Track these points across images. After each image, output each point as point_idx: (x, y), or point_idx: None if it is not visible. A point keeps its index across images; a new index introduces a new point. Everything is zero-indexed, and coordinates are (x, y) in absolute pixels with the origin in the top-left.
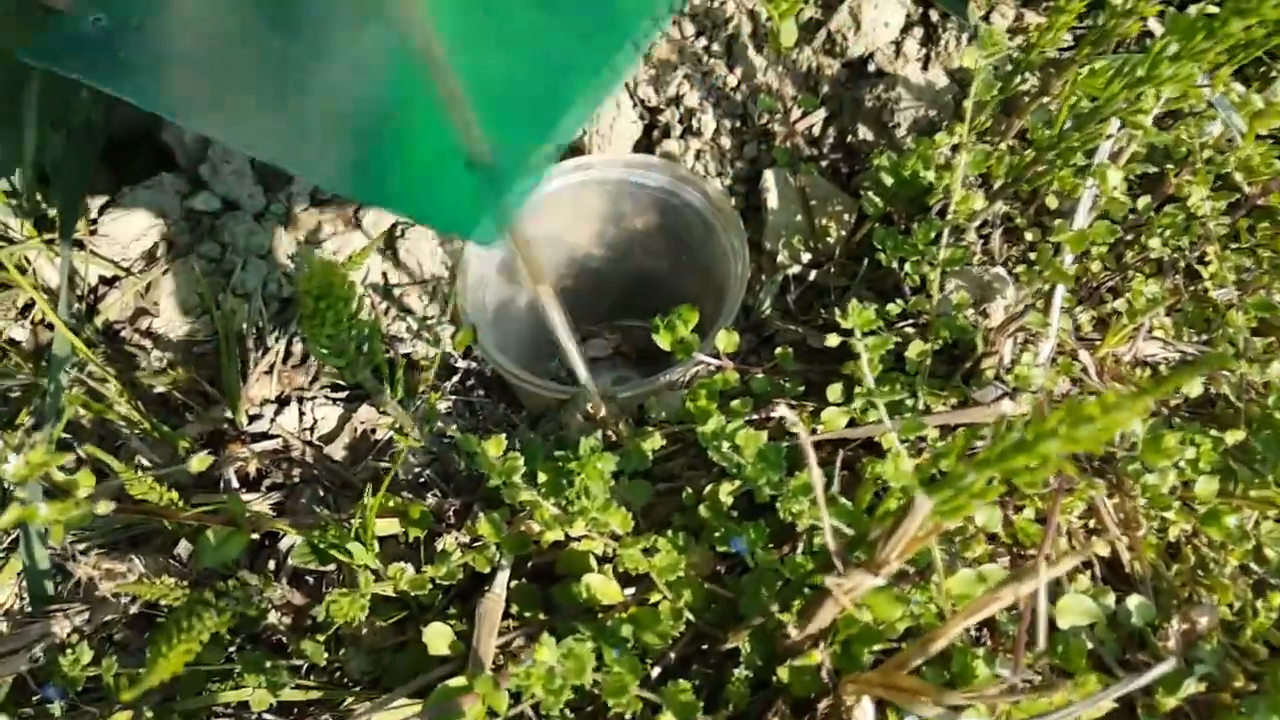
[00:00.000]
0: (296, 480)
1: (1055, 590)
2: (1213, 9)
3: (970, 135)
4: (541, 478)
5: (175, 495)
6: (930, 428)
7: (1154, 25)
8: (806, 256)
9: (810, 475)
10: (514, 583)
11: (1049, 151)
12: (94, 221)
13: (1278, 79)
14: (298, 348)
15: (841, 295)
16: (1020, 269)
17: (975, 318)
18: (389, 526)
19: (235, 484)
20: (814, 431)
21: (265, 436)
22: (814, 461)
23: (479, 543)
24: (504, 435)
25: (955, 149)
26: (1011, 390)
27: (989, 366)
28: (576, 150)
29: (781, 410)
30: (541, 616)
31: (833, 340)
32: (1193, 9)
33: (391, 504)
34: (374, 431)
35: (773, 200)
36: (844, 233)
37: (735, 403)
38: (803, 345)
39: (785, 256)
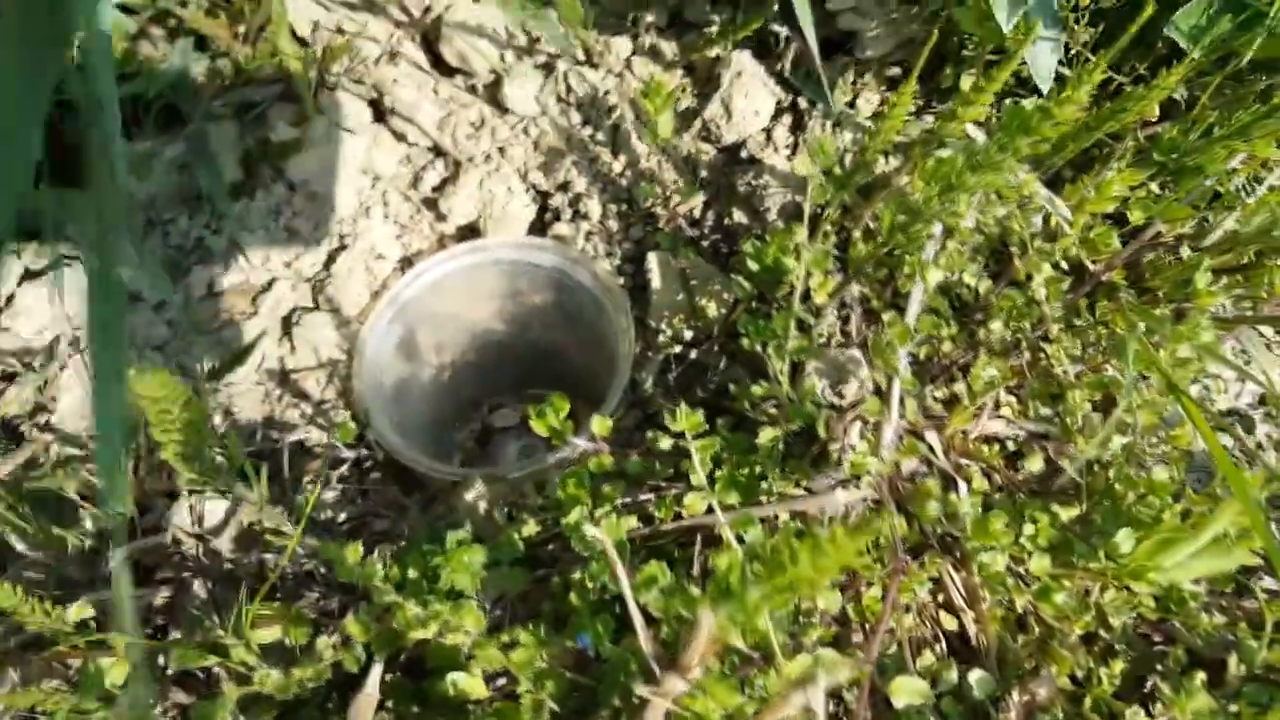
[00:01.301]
0: (185, 575)
1: (897, 667)
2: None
3: (815, 235)
4: (411, 574)
5: (52, 609)
6: (781, 513)
7: (973, 130)
8: (688, 335)
9: (620, 587)
10: (389, 676)
11: (890, 243)
12: None
13: (1111, 161)
14: None
15: (718, 373)
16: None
17: (833, 398)
18: (270, 634)
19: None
20: (678, 516)
21: (155, 530)
22: (622, 573)
23: (350, 641)
24: (376, 540)
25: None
26: (849, 478)
27: (835, 450)
28: (473, 232)
29: (589, 530)
30: (415, 709)
31: (665, 443)
32: (1027, 102)
33: (271, 609)
34: (260, 522)
35: (656, 281)
36: (723, 311)
37: (606, 488)
38: None
39: (668, 335)
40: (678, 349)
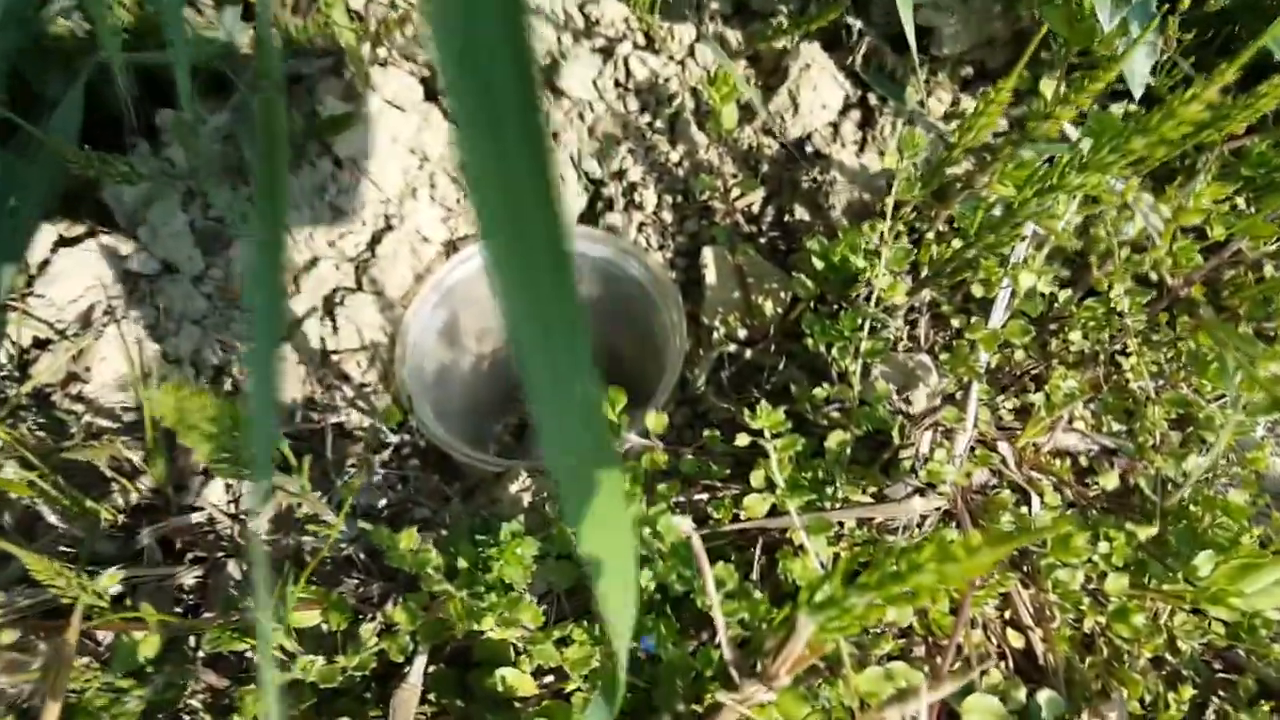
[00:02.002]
0: (219, 555)
1: (966, 686)
2: (1132, 107)
3: (891, 233)
4: (461, 563)
5: (85, 581)
6: (847, 519)
7: (1070, 129)
8: (743, 333)
9: (705, 585)
10: (432, 667)
11: (972, 246)
12: (30, 280)
13: (1199, 174)
14: None
15: (774, 373)
16: (945, 356)
17: (899, 404)
18: (309, 618)
19: (158, 555)
20: (736, 517)
21: (190, 509)
22: (708, 572)
23: (395, 628)
24: (417, 529)
25: (881, 239)
26: (924, 486)
27: (907, 458)
28: None
29: (681, 524)
30: (459, 703)
31: (742, 440)
32: (1115, 107)
33: (310, 594)
34: (299, 505)
35: (711, 277)
36: (780, 310)
37: (662, 486)
38: (734, 423)
39: (721, 333)
40: (732, 348)
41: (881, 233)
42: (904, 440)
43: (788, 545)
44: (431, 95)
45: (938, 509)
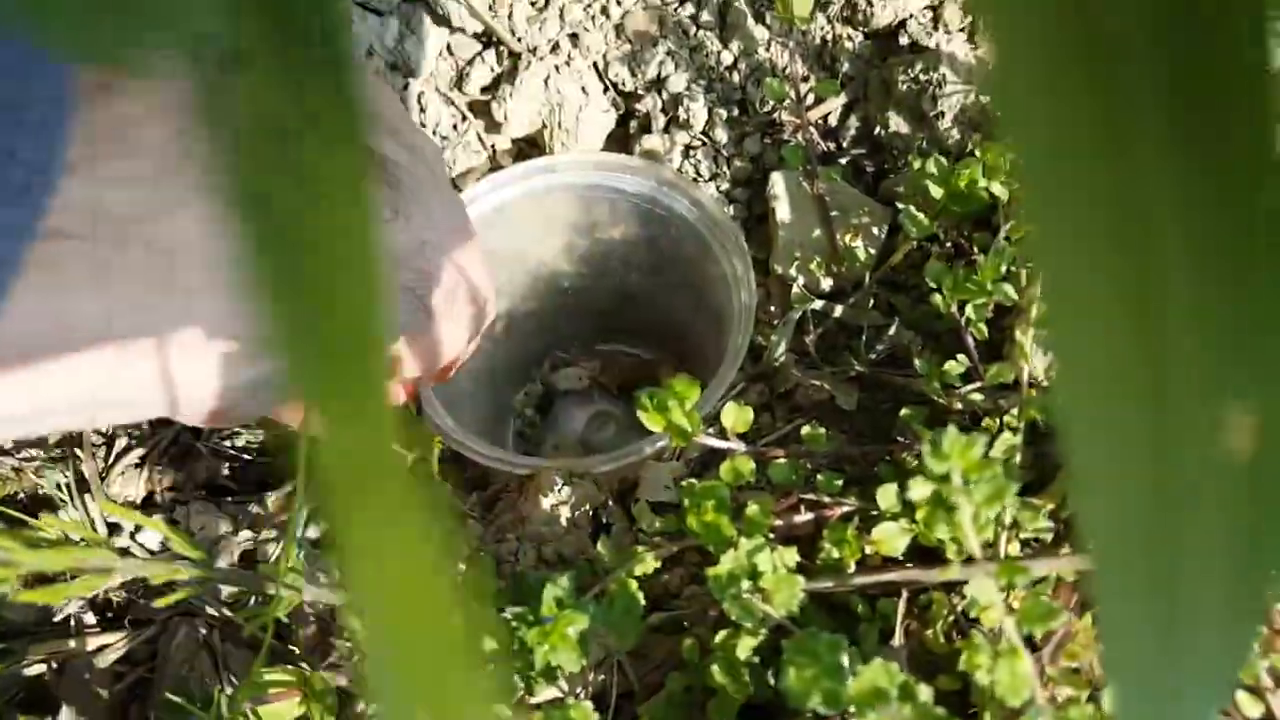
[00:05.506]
0: (168, 614)
1: None
2: None
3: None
4: (491, 645)
5: None
6: (1044, 571)
7: None
8: (827, 284)
9: None
10: None
11: None
12: None
13: None
14: (184, 436)
15: (878, 338)
16: None
17: None
18: (285, 712)
19: (90, 620)
20: (862, 558)
21: (126, 553)
22: None
23: None
24: None
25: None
26: None
27: None
28: (533, 145)
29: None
30: None
31: (921, 489)
32: None
33: (285, 674)
34: (266, 547)
35: (783, 211)
36: (874, 251)
37: (752, 509)
38: (829, 405)
39: (801, 285)
40: (817, 304)
41: None
42: None
43: (950, 604)
44: None
45: None
